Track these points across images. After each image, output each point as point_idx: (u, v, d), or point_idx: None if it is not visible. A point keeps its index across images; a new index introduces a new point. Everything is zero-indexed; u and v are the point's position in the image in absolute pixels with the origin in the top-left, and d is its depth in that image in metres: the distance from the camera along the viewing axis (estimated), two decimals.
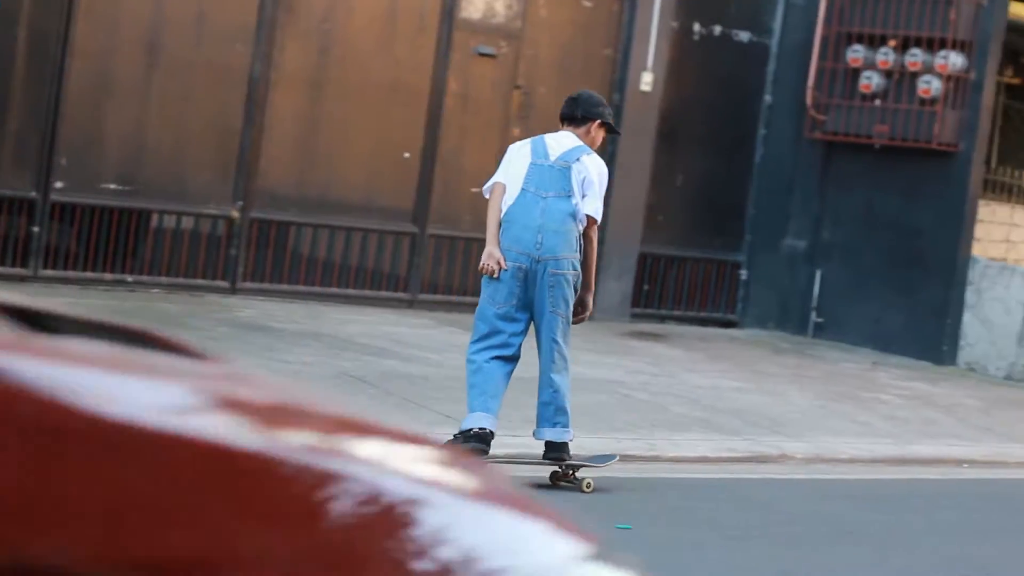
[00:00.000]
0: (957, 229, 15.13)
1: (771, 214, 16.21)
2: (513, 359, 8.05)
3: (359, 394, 9.73)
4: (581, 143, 8.19)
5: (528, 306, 7.99)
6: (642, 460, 9.17)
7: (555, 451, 8.05)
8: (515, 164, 8.14)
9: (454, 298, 14.26)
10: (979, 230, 15.57)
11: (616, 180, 14.85)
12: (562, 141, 8.21)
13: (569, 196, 8.02)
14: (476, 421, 7.78)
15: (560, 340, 8.01)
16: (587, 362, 12.15)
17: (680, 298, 15.82)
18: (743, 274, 16.22)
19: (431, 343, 12.06)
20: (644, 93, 14.93)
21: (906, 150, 15.33)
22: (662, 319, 15.58)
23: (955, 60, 14.97)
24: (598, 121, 8.33)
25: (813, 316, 15.94)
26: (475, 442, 7.66)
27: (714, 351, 14.09)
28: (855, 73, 15.61)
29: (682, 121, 15.69)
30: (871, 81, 15.41)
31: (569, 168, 8.06)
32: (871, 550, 7.56)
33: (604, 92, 14.76)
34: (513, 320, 8.00)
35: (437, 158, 14.12)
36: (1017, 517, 9.04)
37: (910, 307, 15.38)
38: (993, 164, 17.08)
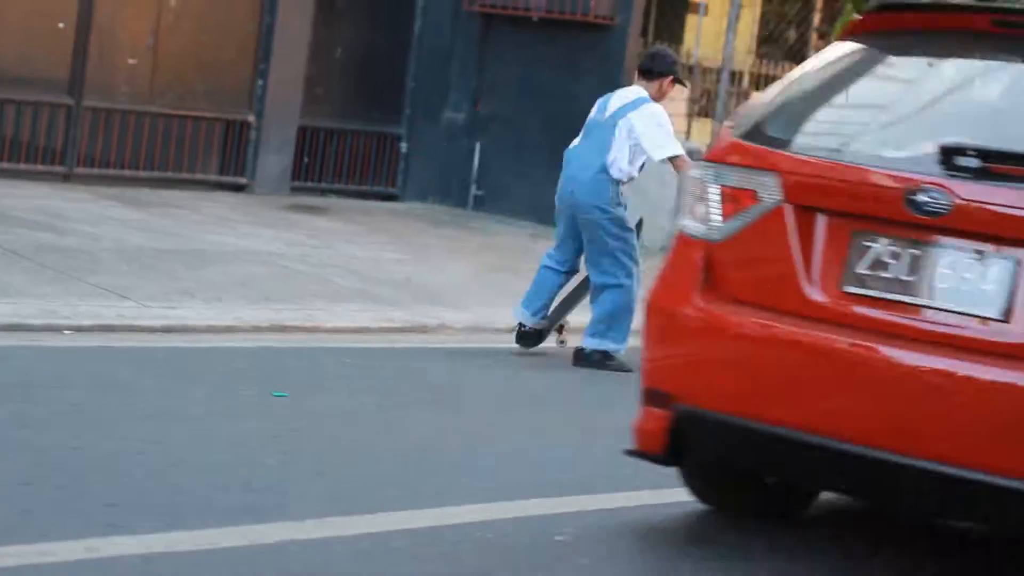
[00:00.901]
0: None
1: (431, 87, 16.33)
2: (563, 273, 9.59)
3: (12, 267, 9.52)
4: (643, 95, 9.33)
5: (577, 238, 9.41)
6: (301, 331, 9.24)
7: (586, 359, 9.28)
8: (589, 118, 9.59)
9: (111, 172, 14.02)
10: None
11: (275, 52, 14.83)
12: (626, 95, 9.49)
13: (604, 151, 9.27)
14: (517, 315, 9.54)
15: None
16: (245, 234, 12.14)
17: (340, 171, 15.85)
18: (403, 147, 16.33)
19: (87, 216, 11.86)
20: None
21: (564, 23, 15.60)
22: (323, 192, 15.60)
23: None
24: (670, 77, 9.49)
25: (473, 189, 16.19)
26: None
27: (374, 224, 14.19)
28: None
29: None
30: None
31: (615, 125, 9.29)
32: (525, 414, 7.79)
33: None
34: (560, 249, 9.60)
35: (92, 27, 13.77)
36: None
37: None
38: (650, 38, 17.54)
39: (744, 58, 17.88)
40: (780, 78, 17.52)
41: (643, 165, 9.61)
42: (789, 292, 5.00)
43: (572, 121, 15.65)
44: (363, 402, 7.57)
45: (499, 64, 16.21)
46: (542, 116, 15.86)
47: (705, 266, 5.19)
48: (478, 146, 16.16)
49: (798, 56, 18.62)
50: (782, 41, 19.03)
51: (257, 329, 9.12)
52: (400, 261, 12.16)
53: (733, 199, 5.16)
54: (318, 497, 5.58)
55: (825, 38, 18.48)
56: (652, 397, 5.25)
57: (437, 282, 11.47)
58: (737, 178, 5.17)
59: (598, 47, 15.57)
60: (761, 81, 17.67)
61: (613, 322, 9.28)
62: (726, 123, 5.70)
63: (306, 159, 15.48)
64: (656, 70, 9.51)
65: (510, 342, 9.79)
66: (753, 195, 5.11)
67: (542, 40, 15.85)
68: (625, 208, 9.49)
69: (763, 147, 5.17)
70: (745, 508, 5.84)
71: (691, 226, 5.29)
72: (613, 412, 6.49)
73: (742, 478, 5.74)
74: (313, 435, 6.68)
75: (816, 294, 4.97)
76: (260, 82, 14.91)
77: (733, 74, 17.36)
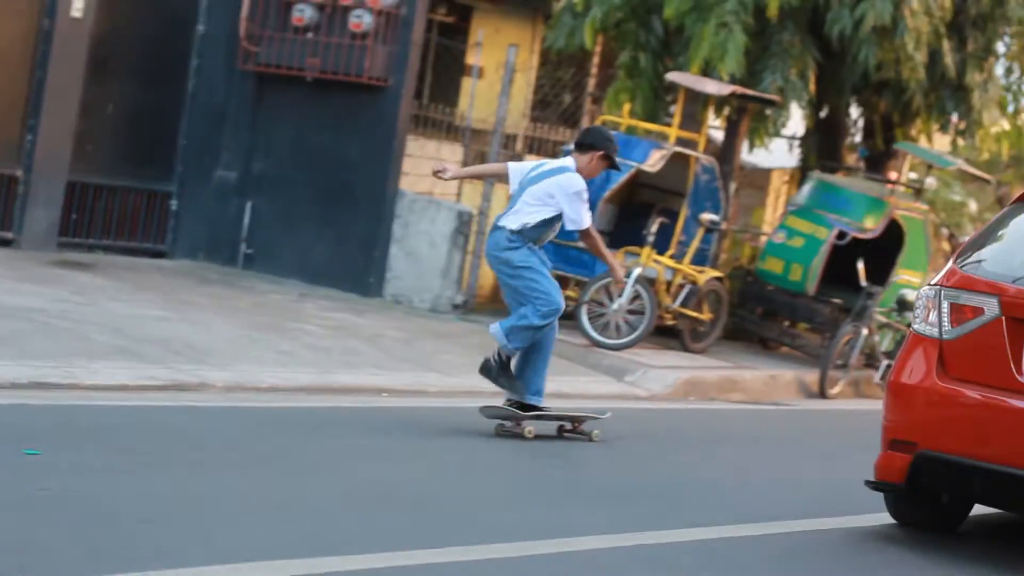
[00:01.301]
0: (386, 163, 15.69)
1: (203, 145, 16.34)
2: None
3: None
4: (568, 165, 9.91)
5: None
6: (59, 388, 9.18)
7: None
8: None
9: None
10: (408, 164, 16.19)
11: (45, 107, 14.71)
12: (553, 162, 10.12)
13: (510, 208, 9.96)
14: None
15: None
16: (8, 290, 12.00)
17: (110, 228, 15.75)
18: (174, 204, 16.29)
19: None
20: (75, 19, 14.73)
21: (338, 83, 15.78)
22: (90, 248, 15.47)
23: None
24: (601, 153, 9.94)
25: (243, 247, 16.22)
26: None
27: (141, 281, 14.13)
28: (288, 6, 15.92)
29: (114, 49, 15.59)
30: (303, 14, 15.77)
31: (531, 182, 9.88)
32: (283, 475, 7.86)
33: (33, 17, 14.58)
34: None
35: None
36: (434, 439, 9.55)
37: (339, 239, 15.87)
38: (425, 100, 17.80)
39: (519, 121, 18.23)
40: (554, 142, 17.93)
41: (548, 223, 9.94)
42: (1002, 374, 7.54)
43: (344, 182, 15.87)
44: (114, 461, 7.57)
45: (272, 124, 16.31)
46: (313, 176, 16.00)
47: (938, 356, 7.72)
48: (249, 205, 16.21)
49: (572, 120, 19.07)
50: (556, 105, 19.44)
51: (15, 386, 9.05)
52: (165, 319, 12.13)
53: (962, 311, 7.69)
54: (62, 555, 5.61)
55: (599, 103, 18.96)
56: (897, 445, 7.85)
57: (201, 340, 11.47)
58: (967, 298, 7.67)
59: (372, 108, 15.77)
60: (535, 144, 18.04)
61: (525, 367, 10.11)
62: (953, 260, 7.87)
63: (74, 215, 15.34)
64: (587, 143, 10.01)
65: (273, 401, 9.86)
66: (978, 310, 7.64)
67: (316, 100, 16.01)
68: (529, 251, 9.92)
69: (986, 278, 7.69)
70: (928, 524, 8.41)
71: (925, 328, 7.81)
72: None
73: (932, 501, 8.30)
74: (63, 494, 6.68)
75: (1021, 377, 7.51)
76: (29, 137, 14.77)
77: (507, 137, 17.70)
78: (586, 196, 9.88)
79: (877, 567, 7.67)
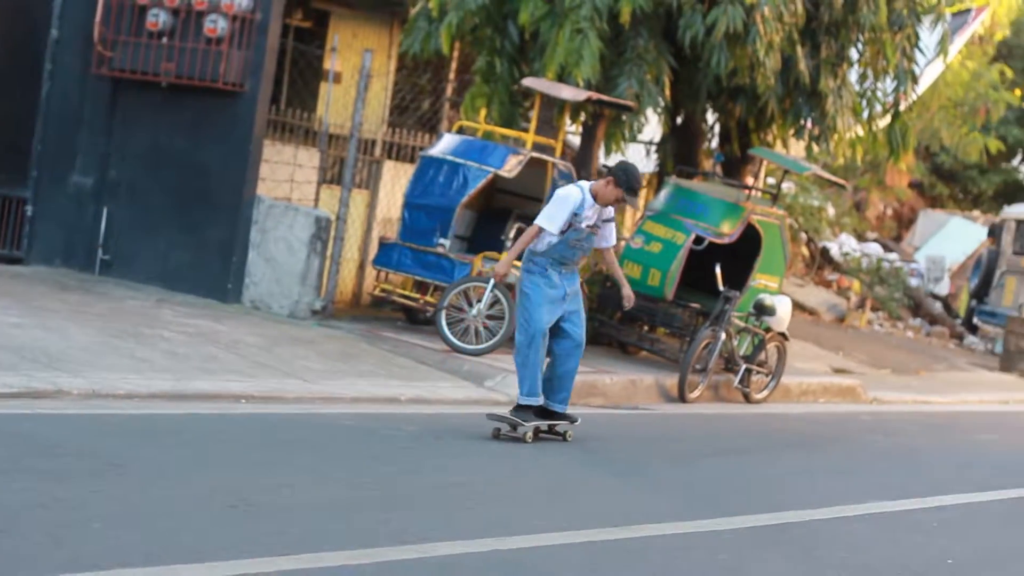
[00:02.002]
0: (243, 168, 15.67)
1: (58, 150, 16.23)
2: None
3: None
4: (583, 183, 11.24)
5: None
6: None
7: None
8: None
9: None
10: (264, 170, 16.20)
11: None
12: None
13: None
14: None
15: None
16: None
17: None
18: (29, 210, 16.17)
19: None
20: None
21: (193, 89, 15.74)
22: None
23: (241, 1, 15.51)
24: (613, 178, 10.98)
25: (100, 253, 16.13)
26: None
27: None
28: (142, 10, 15.86)
29: None
30: (158, 19, 15.71)
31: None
32: (135, 482, 7.87)
33: None
34: None
35: None
36: (289, 447, 9.61)
37: (197, 245, 15.83)
38: (282, 105, 17.81)
39: (377, 127, 18.30)
40: (413, 147, 18.01)
41: (568, 232, 11.03)
42: None
43: (201, 187, 15.84)
44: None
45: (128, 129, 16.23)
46: (170, 181, 15.95)
47: None
48: (105, 211, 16.12)
49: (431, 126, 19.18)
50: (415, 111, 19.53)
51: None
52: (19, 325, 12.04)
53: None
54: None
55: (457, 108, 19.09)
56: None
57: (57, 347, 11.41)
58: None
59: (228, 114, 15.75)
60: (393, 150, 18.13)
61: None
62: None
63: None
64: (607, 170, 11.28)
65: (130, 408, 9.85)
66: None
67: (172, 106, 15.96)
68: (541, 275, 11.04)
69: None
70: None
71: None
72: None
73: None
74: None
75: None
76: None
77: (366, 142, 17.77)
78: (568, 207, 10.93)
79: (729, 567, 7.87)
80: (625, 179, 10.93)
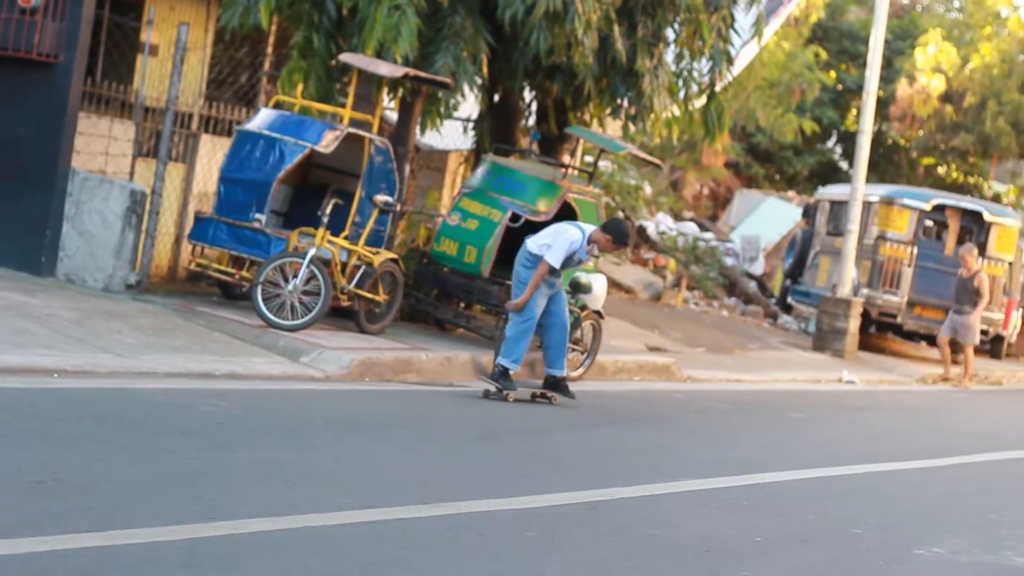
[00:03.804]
0: (57, 141, 15.49)
1: None
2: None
3: None
4: (581, 226, 14.48)
5: None
6: None
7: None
8: None
9: None
10: (79, 142, 16.04)
11: None
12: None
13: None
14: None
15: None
16: None
17: None
18: None
19: None
20: None
21: (6, 60, 15.51)
22: None
23: None
24: (611, 237, 14.26)
25: None
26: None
27: None
28: None
29: None
30: None
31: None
32: None
33: None
34: None
35: None
36: (95, 424, 9.58)
37: (9, 218, 15.63)
38: (98, 77, 17.62)
39: (194, 100, 18.19)
40: (231, 121, 17.95)
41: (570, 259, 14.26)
42: None
43: (13, 160, 15.65)
44: None
45: None
46: None
47: None
48: None
49: (248, 100, 19.12)
50: (232, 85, 19.45)
51: None
52: None
53: None
54: None
55: (274, 83, 19.06)
56: None
57: None
58: None
59: (42, 86, 15.57)
60: (210, 124, 18.05)
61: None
62: None
63: None
64: (603, 225, 14.41)
65: None
66: None
67: None
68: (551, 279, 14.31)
69: None
70: None
71: None
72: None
73: None
74: None
75: None
76: None
77: (182, 116, 17.66)
78: (570, 247, 14.10)
79: (533, 547, 8.06)
80: (621, 237, 14.25)
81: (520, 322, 14.25)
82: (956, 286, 24.49)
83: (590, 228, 14.39)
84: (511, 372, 14.21)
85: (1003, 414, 21.58)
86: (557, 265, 14.13)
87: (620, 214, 28.89)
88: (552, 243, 14.20)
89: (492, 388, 14.08)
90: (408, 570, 7.06)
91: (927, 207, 27.50)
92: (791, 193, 41.32)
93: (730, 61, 18.86)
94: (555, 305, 14.50)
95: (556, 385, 14.49)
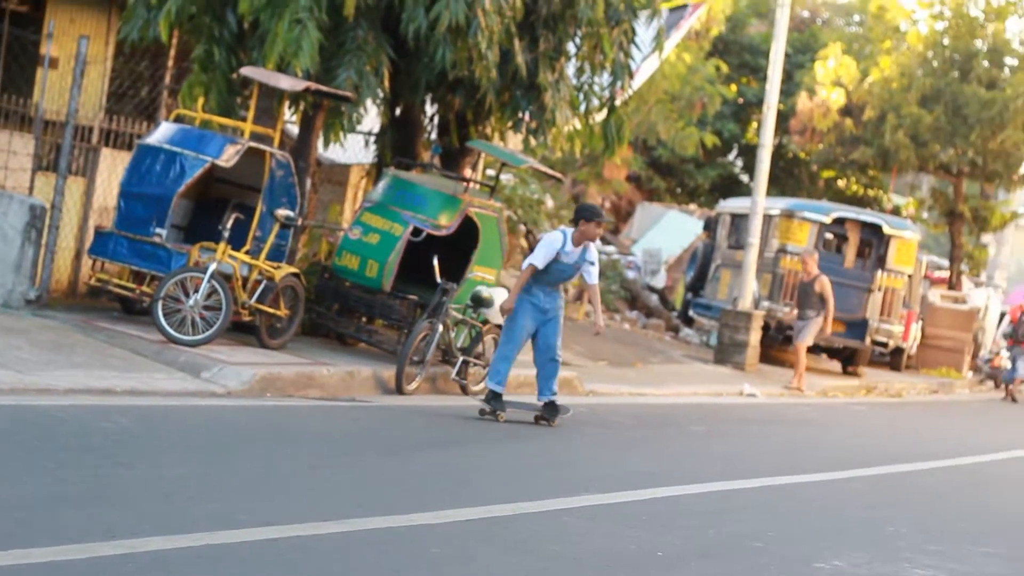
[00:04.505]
0: None
1: None
2: None
3: None
4: (563, 229, 14.79)
5: None
6: None
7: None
8: None
9: None
10: None
11: None
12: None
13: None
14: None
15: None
16: None
17: None
18: None
19: None
20: None
21: None
22: None
23: None
24: (582, 219, 14.53)
25: None
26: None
27: None
28: None
29: None
30: None
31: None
32: None
33: None
34: None
35: None
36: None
37: None
38: None
39: (94, 114, 18.10)
40: (131, 134, 17.86)
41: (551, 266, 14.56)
42: None
43: None
44: None
45: None
46: None
47: None
48: None
49: (150, 113, 19.05)
50: (133, 98, 19.37)
51: None
52: None
53: None
54: None
55: (175, 96, 19.00)
56: None
57: None
58: None
59: None
60: (111, 137, 17.96)
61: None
62: None
63: None
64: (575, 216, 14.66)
65: None
66: None
67: None
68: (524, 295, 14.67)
69: None
70: None
71: None
72: None
73: None
74: None
75: None
76: None
77: (82, 129, 17.56)
78: (552, 248, 14.43)
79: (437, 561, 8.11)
80: (589, 214, 14.51)
81: (503, 343, 14.74)
82: (798, 292, 24.53)
83: (570, 229, 14.62)
84: (498, 392, 14.65)
85: (902, 426, 21.89)
86: (539, 264, 14.44)
87: (522, 228, 29.01)
88: (536, 250, 14.63)
89: (486, 408, 14.64)
90: None
91: (827, 220, 27.86)
92: (693, 206, 41.68)
93: (631, 75, 19.03)
94: (545, 328, 14.77)
95: (549, 408, 14.89)
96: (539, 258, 14.48)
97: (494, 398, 14.63)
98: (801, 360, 23.89)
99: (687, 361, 25.00)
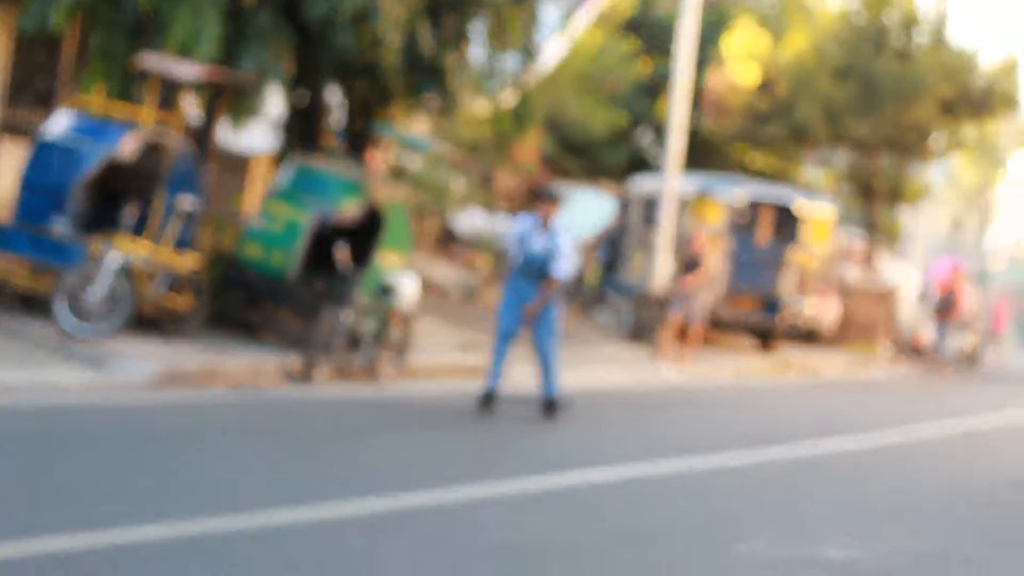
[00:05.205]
0: None
1: None
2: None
3: None
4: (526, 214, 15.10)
5: None
6: None
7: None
8: None
9: None
10: None
11: None
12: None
13: None
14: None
15: None
16: None
17: None
18: None
19: None
20: None
21: None
22: None
23: None
24: (539, 200, 14.80)
25: None
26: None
27: None
28: None
29: None
30: None
31: None
32: None
33: None
34: None
35: None
36: None
37: None
38: None
39: None
40: (32, 125, 17.73)
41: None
42: None
43: None
44: None
45: None
46: None
47: None
48: None
49: (50, 104, 18.96)
50: (32, 88, 19.24)
51: None
52: None
53: None
54: None
55: (75, 86, 18.90)
56: None
57: None
58: None
59: None
60: (11, 129, 17.86)
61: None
62: None
63: None
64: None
65: None
66: None
67: None
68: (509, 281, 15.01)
69: None
70: None
71: None
72: None
73: None
74: None
75: None
76: None
77: None
78: (515, 232, 14.72)
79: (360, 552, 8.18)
80: (539, 194, 14.83)
81: (495, 338, 15.02)
82: (686, 267, 24.30)
83: (535, 214, 14.83)
84: (492, 388, 14.90)
85: (820, 404, 22.15)
86: (511, 250, 14.78)
87: (431, 212, 29.04)
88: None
89: (479, 406, 14.89)
90: None
91: (740, 198, 28.09)
92: (606, 185, 41.82)
93: (538, 55, 19.13)
94: (536, 324, 14.91)
95: (547, 406, 15.14)
96: (509, 245, 14.91)
97: (485, 395, 14.92)
98: (688, 339, 23.93)
99: (602, 343, 25.13)
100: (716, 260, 24.36)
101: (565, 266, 14.76)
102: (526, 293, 14.83)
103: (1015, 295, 61.91)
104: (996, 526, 12.12)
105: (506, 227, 33.30)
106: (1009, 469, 16.02)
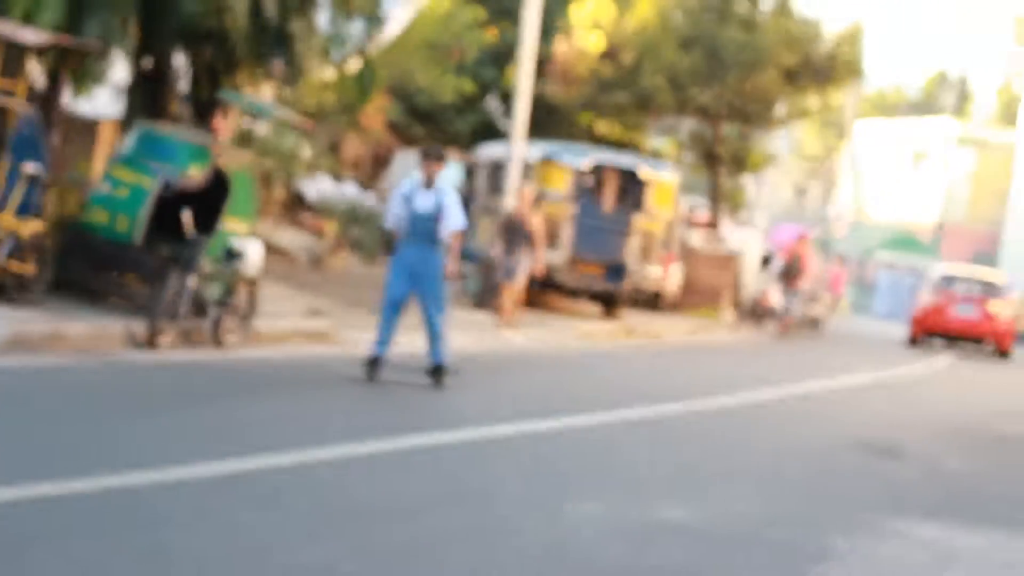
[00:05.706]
0: None
1: None
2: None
3: None
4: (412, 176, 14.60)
5: None
6: None
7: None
8: None
9: None
10: None
11: None
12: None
13: None
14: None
15: None
16: None
17: None
18: None
19: None
20: None
21: None
22: None
23: None
24: (420, 159, 15.11)
25: None
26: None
27: None
28: None
29: None
30: None
31: None
32: None
33: None
34: None
35: None
36: None
37: None
38: None
39: None
40: None
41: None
42: None
43: None
44: None
45: None
46: None
47: None
48: None
49: None
50: None
51: None
52: None
53: None
54: None
55: None
56: None
57: None
58: None
59: None
60: None
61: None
62: None
63: None
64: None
65: None
66: None
67: None
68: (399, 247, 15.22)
69: None
70: None
71: None
72: None
73: None
74: None
75: None
76: None
77: None
78: (397, 195, 15.00)
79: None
80: (422, 153, 15.04)
81: (383, 304, 15.13)
82: (507, 229, 24.22)
83: (419, 175, 15.04)
84: (379, 354, 15.07)
85: (661, 367, 22.65)
86: (389, 221, 15.15)
87: (278, 178, 29.12)
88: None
89: (364, 372, 15.05)
90: (56, 544, 7.29)
91: (586, 165, 28.50)
92: (453, 153, 42.04)
93: (383, 22, 19.33)
94: (420, 291, 15.05)
95: (434, 371, 15.36)
96: (389, 215, 15.10)
97: (370, 362, 15.12)
98: (509, 299, 23.98)
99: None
100: (540, 223, 24.46)
101: (459, 219, 14.97)
102: (415, 258, 14.97)
103: (854, 261, 63.25)
104: (825, 488, 12.60)
105: (353, 193, 33.50)
106: (846, 432, 16.53)
